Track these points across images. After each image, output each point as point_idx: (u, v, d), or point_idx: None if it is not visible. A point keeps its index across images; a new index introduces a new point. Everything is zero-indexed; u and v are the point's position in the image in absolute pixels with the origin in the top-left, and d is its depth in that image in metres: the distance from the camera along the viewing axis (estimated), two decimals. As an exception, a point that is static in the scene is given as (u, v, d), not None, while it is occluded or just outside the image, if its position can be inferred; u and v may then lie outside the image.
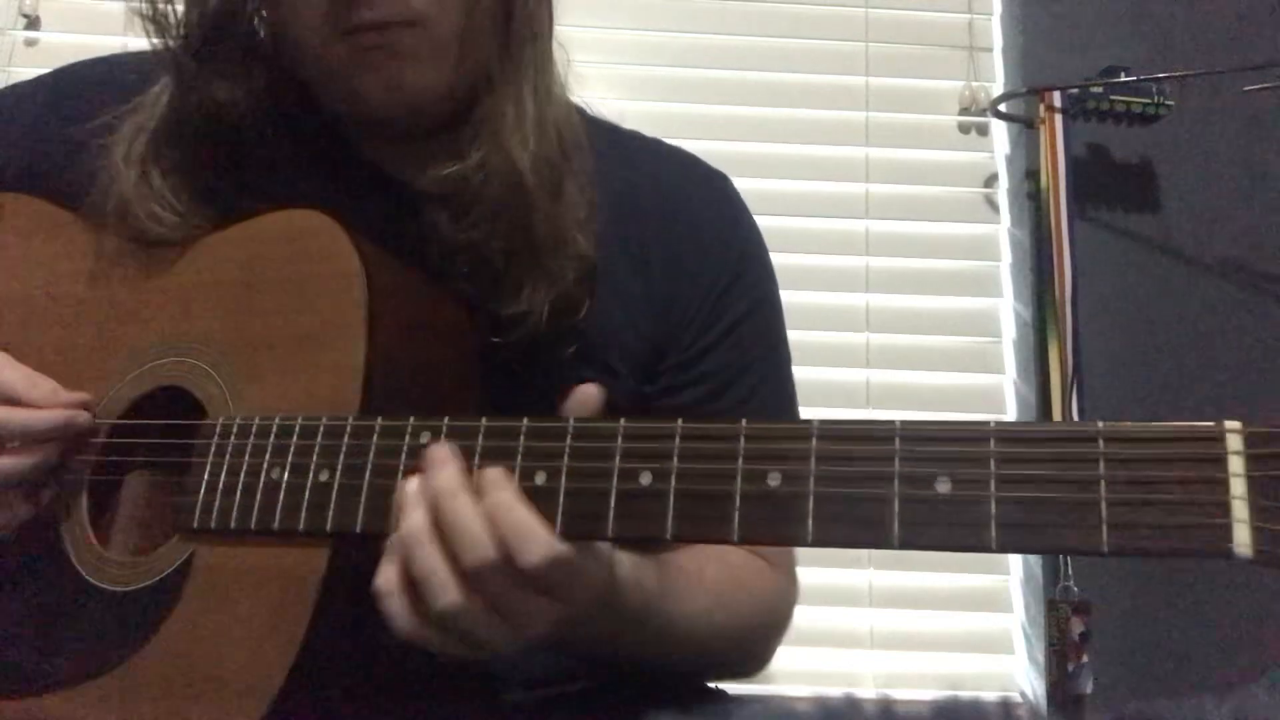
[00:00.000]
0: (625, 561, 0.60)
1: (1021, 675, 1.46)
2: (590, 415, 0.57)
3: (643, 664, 0.67)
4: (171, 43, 0.70)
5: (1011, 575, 1.50)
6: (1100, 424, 0.46)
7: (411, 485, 0.55)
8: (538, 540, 0.51)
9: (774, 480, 0.50)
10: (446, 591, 0.52)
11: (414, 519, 0.54)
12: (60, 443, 0.65)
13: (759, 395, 0.79)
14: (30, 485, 0.66)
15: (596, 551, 0.56)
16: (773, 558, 0.78)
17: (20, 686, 0.62)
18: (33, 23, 1.60)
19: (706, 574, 0.70)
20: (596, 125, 0.80)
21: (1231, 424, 0.43)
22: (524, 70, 0.69)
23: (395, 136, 0.73)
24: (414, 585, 0.53)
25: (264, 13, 0.71)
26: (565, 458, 0.54)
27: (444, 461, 0.54)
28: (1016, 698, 1.44)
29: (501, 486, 0.53)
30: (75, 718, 0.60)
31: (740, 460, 0.51)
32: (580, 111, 0.78)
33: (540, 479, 0.54)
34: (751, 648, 0.77)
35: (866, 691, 1.42)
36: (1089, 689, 1.36)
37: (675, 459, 0.52)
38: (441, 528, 0.53)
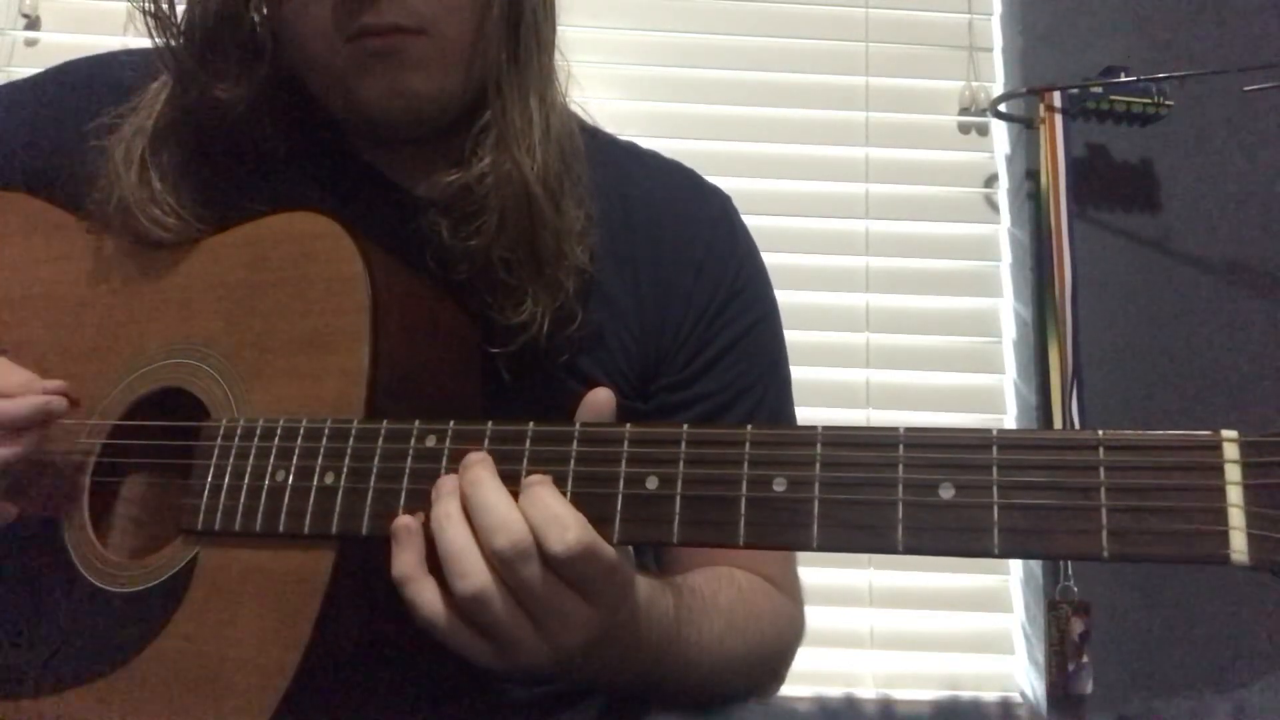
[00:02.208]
0: (644, 585, 0.59)
1: (1021, 675, 1.46)
2: (602, 419, 0.57)
3: (655, 691, 0.66)
4: (172, 41, 0.69)
5: (1011, 575, 1.50)
6: (1100, 432, 0.46)
7: (445, 480, 0.55)
8: (571, 525, 0.51)
9: (780, 485, 0.50)
10: (473, 572, 0.51)
11: (445, 504, 0.53)
12: (40, 433, 0.64)
13: (756, 420, 0.77)
14: (15, 482, 0.64)
15: (626, 552, 0.55)
16: (780, 582, 0.78)
17: (23, 687, 0.62)
18: (33, 23, 1.60)
19: (720, 599, 0.69)
20: (595, 136, 0.79)
21: (1228, 433, 0.44)
22: (531, 80, 0.69)
23: (396, 141, 0.73)
24: (439, 569, 0.52)
25: (266, 12, 0.70)
26: (571, 462, 0.54)
27: (477, 460, 0.54)
28: (1016, 698, 1.45)
29: (539, 480, 0.53)
30: (78, 719, 0.60)
31: (746, 465, 0.51)
32: (579, 121, 0.77)
33: None
34: (761, 674, 0.75)
35: (866, 691, 1.42)
36: (1089, 689, 1.36)
37: (681, 464, 0.52)
38: (472, 512, 0.53)
